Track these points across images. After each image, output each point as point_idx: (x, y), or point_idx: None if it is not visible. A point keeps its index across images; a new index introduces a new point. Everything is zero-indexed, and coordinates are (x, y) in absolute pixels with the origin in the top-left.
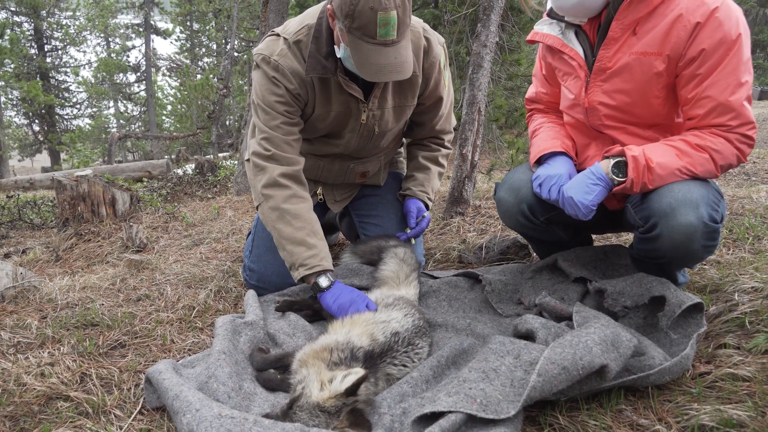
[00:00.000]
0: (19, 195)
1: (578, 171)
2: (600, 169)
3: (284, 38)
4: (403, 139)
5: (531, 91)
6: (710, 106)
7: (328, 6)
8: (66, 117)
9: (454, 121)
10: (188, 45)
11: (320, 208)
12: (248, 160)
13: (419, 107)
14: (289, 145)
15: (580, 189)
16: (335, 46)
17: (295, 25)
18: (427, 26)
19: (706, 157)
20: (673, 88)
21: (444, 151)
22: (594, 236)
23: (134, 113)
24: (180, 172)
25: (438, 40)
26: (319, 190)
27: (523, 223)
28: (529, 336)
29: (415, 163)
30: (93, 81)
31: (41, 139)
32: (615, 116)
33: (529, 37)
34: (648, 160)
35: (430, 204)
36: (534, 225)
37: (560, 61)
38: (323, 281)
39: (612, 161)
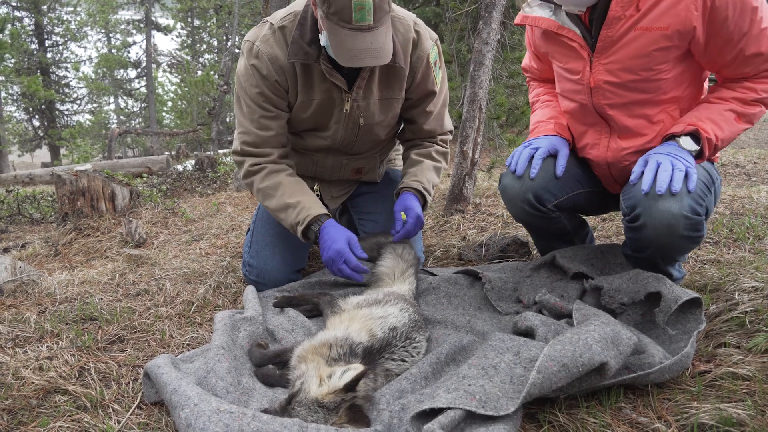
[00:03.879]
0: (18, 190)
1: (576, 158)
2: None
3: (270, 24)
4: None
5: (525, 60)
6: (759, 60)
7: None
8: (66, 112)
9: (448, 124)
10: (189, 41)
11: None
12: None
13: (407, 102)
14: (264, 140)
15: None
16: (319, 35)
17: (283, 12)
18: (419, 21)
19: (760, 109)
20: (685, 60)
21: (438, 147)
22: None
23: (134, 109)
24: (180, 168)
25: (430, 36)
26: (315, 187)
27: (528, 212)
28: (528, 333)
29: (408, 161)
30: (93, 77)
31: (41, 134)
32: (620, 94)
33: (517, 21)
34: (716, 138)
35: (427, 196)
36: (540, 213)
37: (558, 44)
38: (310, 234)
39: (682, 138)
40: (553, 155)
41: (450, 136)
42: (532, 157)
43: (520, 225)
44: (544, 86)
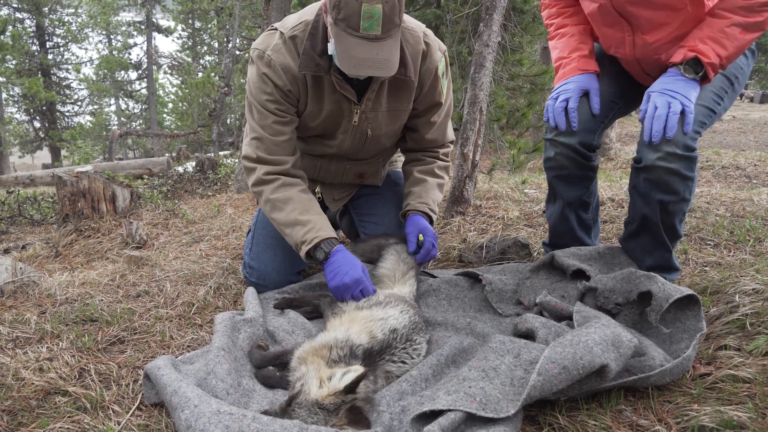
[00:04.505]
0: (19, 191)
1: (602, 57)
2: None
3: (281, 32)
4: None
5: None
6: None
7: (323, 1)
8: (67, 114)
9: (450, 134)
10: (190, 43)
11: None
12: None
13: (412, 111)
14: (278, 146)
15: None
16: (328, 43)
17: (293, 20)
18: (429, 32)
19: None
20: None
21: (440, 163)
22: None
23: (135, 111)
24: (180, 169)
25: (439, 47)
26: (317, 189)
27: (574, 159)
28: (529, 335)
29: (411, 179)
30: (94, 78)
31: (42, 135)
32: None
33: None
34: (720, 58)
35: (433, 216)
36: (584, 160)
37: None
38: (319, 254)
39: (682, 66)
40: (585, 95)
41: (451, 147)
42: (566, 108)
43: (521, 227)
44: (557, 4)
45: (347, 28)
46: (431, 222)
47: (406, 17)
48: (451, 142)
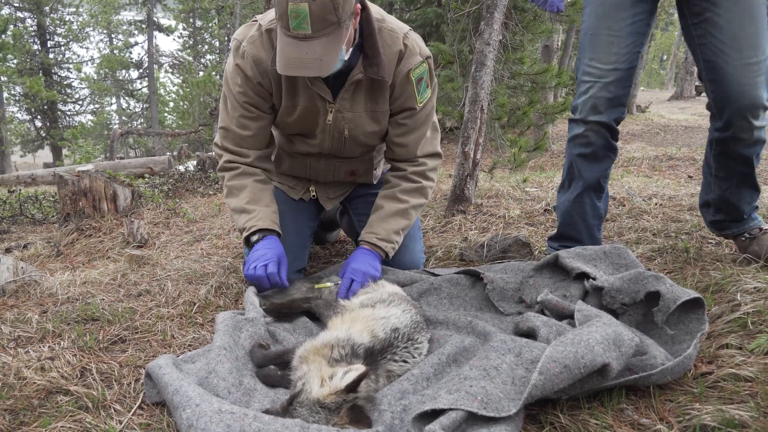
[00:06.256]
0: (20, 190)
1: None
2: None
3: (259, 25)
4: None
5: None
6: None
7: None
8: (68, 113)
9: (430, 147)
10: (191, 42)
11: (315, 206)
12: None
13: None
14: (243, 140)
15: None
16: None
17: (273, 13)
18: (413, 36)
19: None
20: None
21: (404, 185)
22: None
23: (136, 110)
24: (181, 168)
25: (419, 52)
26: (312, 188)
27: (598, 131)
28: (530, 334)
29: (374, 204)
30: (95, 77)
31: (43, 134)
32: None
33: None
34: None
35: (385, 245)
36: (608, 137)
37: None
38: (253, 237)
39: None
40: None
41: (432, 163)
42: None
43: (522, 226)
44: None
45: (282, 28)
46: (386, 253)
47: (390, 18)
48: (429, 157)
